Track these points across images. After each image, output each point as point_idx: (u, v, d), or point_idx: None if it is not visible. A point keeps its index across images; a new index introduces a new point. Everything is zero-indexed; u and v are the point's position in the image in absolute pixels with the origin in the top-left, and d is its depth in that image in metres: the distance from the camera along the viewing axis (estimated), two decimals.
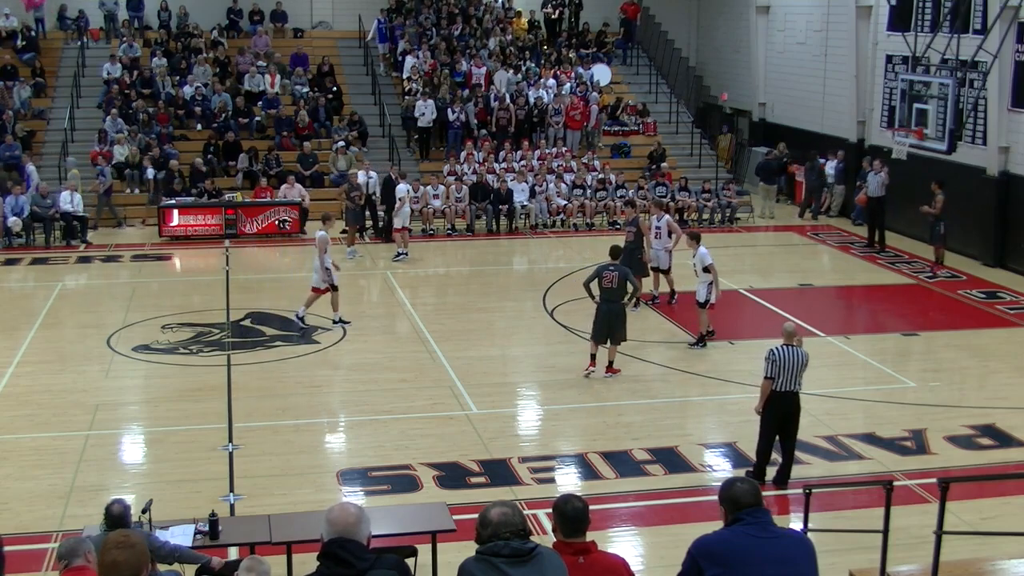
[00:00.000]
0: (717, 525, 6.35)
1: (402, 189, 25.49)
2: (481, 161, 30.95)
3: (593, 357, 17.19)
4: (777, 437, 13.32)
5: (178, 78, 33.62)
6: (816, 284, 24.18)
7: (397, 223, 25.55)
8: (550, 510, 6.50)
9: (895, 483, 10.39)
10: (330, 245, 20.03)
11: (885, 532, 9.77)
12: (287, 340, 19.36)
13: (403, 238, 25.29)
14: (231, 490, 13.08)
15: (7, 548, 8.61)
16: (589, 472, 13.71)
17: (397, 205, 25.59)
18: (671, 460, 14.08)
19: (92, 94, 33.26)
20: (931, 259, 25.09)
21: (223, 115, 32.27)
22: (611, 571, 6.43)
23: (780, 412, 13.13)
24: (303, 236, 27.56)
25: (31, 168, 29.31)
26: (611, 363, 17.24)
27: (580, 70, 35.22)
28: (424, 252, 25.64)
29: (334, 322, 19.94)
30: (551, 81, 34.35)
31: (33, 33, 34.97)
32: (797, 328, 13.70)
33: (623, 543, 11.92)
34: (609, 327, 17.02)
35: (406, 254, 25.13)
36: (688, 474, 13.76)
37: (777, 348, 13.04)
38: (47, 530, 11.80)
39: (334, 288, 19.85)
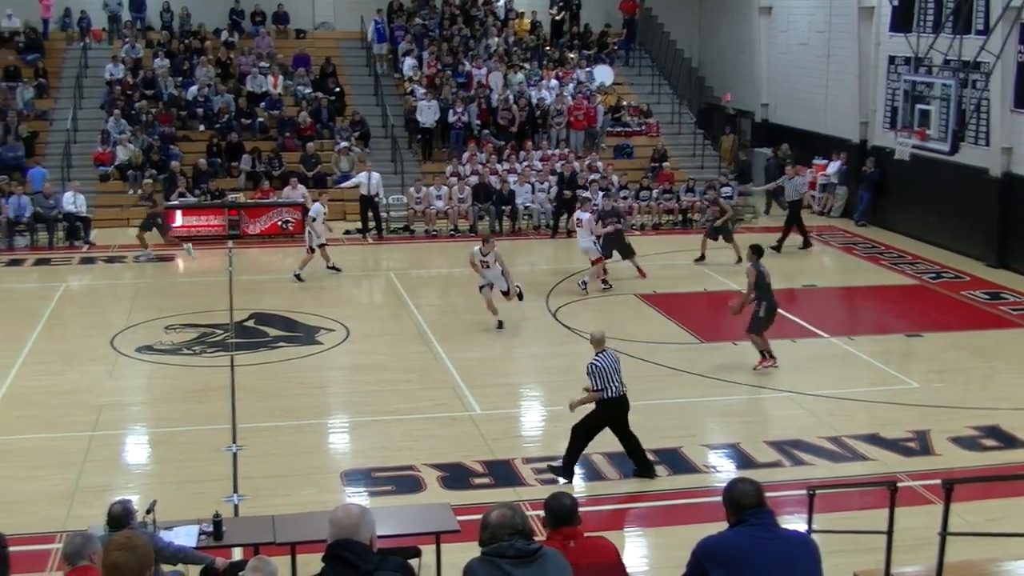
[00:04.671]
0: (722, 526, 6.36)
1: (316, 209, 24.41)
2: (484, 162, 30.95)
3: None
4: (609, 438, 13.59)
5: (180, 79, 33.64)
6: (819, 285, 24.18)
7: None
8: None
9: (899, 484, 10.38)
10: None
11: (889, 533, 9.75)
12: (290, 341, 19.37)
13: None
14: (235, 491, 13.08)
15: (12, 549, 8.64)
16: (593, 473, 13.71)
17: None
18: (675, 461, 14.07)
19: (95, 95, 33.28)
20: (935, 260, 25.21)
21: (226, 116, 32.29)
22: (599, 552, 6.55)
23: (614, 415, 13.40)
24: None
25: (40, 171, 29.38)
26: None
27: (581, 71, 35.23)
28: (427, 253, 25.65)
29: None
30: (553, 82, 34.36)
31: (35, 34, 35.00)
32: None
33: (628, 544, 11.92)
34: None
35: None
36: (692, 475, 13.76)
37: (598, 359, 13.29)
38: (51, 530, 11.80)
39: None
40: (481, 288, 20.05)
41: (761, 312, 17.49)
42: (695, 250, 25.73)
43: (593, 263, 22.97)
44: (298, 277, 23.23)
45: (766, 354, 17.64)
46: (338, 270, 24.02)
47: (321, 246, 23.83)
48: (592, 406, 13.41)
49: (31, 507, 12.59)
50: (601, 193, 26.15)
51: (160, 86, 33.34)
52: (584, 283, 22.80)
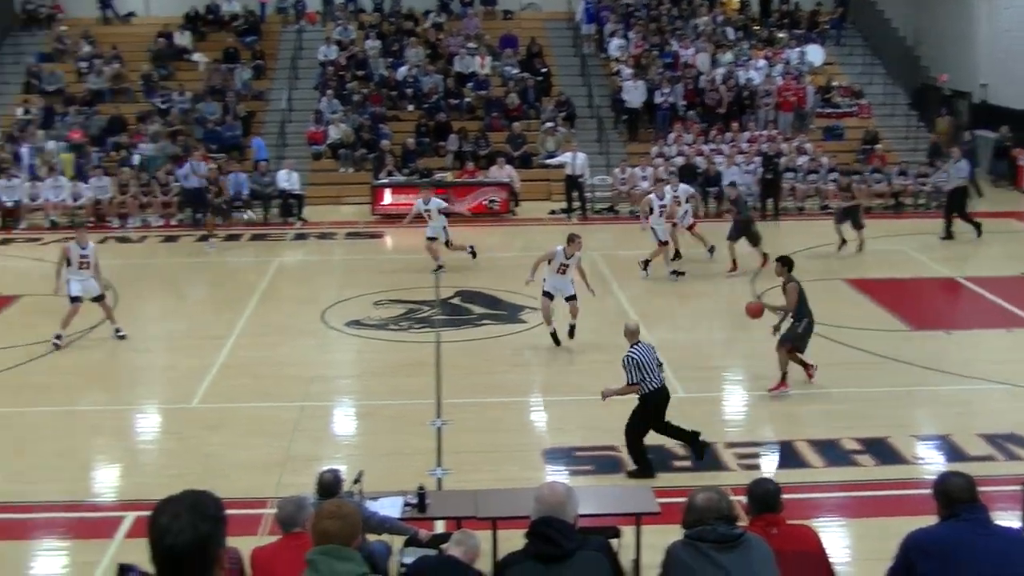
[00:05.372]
0: (930, 519, 6.18)
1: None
2: (690, 143, 30.69)
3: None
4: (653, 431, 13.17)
5: (391, 60, 34.29)
6: None
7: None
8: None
9: None
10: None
11: None
12: (495, 319, 19.58)
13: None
14: (439, 464, 13.29)
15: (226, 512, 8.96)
16: (796, 460, 13.46)
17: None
18: (882, 451, 13.70)
19: (309, 76, 34.24)
20: None
21: (434, 96, 32.79)
22: (802, 540, 6.42)
23: (658, 407, 13.00)
24: (512, 216, 27.81)
25: (260, 141, 30.46)
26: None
27: (791, 51, 34.57)
28: (631, 234, 25.49)
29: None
30: (762, 62, 33.81)
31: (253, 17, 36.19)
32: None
33: (829, 533, 11.67)
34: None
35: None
36: (899, 466, 13.36)
37: (633, 351, 12.91)
38: (263, 496, 12.19)
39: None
40: (546, 293, 18.00)
41: (800, 328, 15.76)
42: (906, 234, 25.03)
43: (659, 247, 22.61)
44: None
45: (784, 377, 15.81)
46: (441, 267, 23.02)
47: (432, 239, 23.02)
48: (630, 401, 13.03)
49: (244, 473, 13.02)
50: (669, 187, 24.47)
51: (371, 67, 34.07)
52: (646, 263, 22.50)
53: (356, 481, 10.12)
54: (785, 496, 6.96)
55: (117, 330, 18.51)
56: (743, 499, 6.82)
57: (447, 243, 22.73)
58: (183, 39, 35.56)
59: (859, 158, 30.72)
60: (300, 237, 26.69)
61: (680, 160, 29.50)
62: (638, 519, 10.28)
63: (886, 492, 12.73)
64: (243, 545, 7.95)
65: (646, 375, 12.82)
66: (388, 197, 28.63)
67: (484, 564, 8.46)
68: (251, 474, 12.98)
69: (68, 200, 28.22)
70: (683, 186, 24.31)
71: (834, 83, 34.17)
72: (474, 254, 22.93)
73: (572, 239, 17.76)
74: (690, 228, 23.84)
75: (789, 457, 13.53)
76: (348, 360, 17.77)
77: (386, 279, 22.26)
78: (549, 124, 31.40)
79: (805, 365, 15.97)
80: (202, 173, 26.61)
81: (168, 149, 30.15)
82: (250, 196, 28.50)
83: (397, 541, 9.92)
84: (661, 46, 34.59)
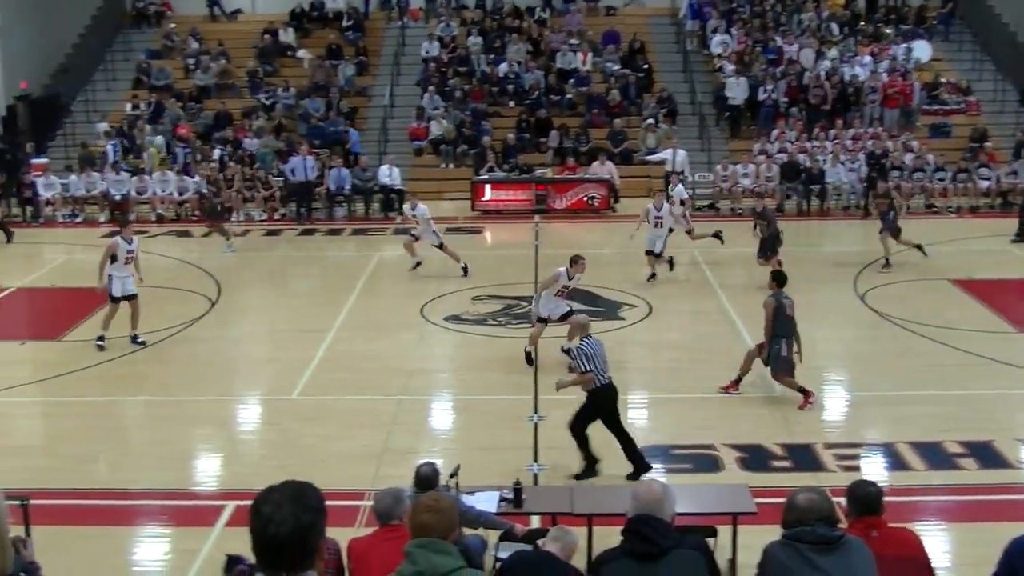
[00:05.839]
0: None
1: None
2: (793, 140, 30.36)
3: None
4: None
5: (492, 56, 34.39)
6: None
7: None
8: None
9: None
10: None
11: None
12: (593, 315, 19.49)
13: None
14: (535, 460, 13.31)
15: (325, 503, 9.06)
16: (897, 462, 13.24)
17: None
18: (986, 454, 13.42)
19: (411, 72, 34.47)
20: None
21: (535, 92, 32.82)
22: (904, 544, 6.31)
23: (604, 406, 12.72)
24: (612, 213, 27.76)
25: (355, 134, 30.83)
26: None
27: (898, 47, 34.02)
28: (733, 231, 25.32)
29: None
30: (867, 58, 33.31)
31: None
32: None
33: (931, 537, 11.47)
34: None
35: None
36: (1004, 470, 13.07)
37: (583, 343, 12.70)
38: (360, 488, 12.30)
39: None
40: (540, 320, 17.07)
41: (783, 351, 14.91)
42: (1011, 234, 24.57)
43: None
44: (465, 270, 22.37)
45: (804, 391, 14.96)
46: (465, 271, 22.52)
47: (440, 246, 22.69)
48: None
49: (342, 465, 13.15)
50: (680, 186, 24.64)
51: (473, 63, 34.21)
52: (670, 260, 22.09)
53: (453, 475, 10.17)
54: (886, 499, 6.86)
55: (135, 336, 18.13)
56: (842, 501, 6.73)
57: (441, 246, 22.61)
58: (288, 36, 36.03)
59: (966, 156, 30.13)
60: (401, 232, 26.88)
61: (783, 157, 29.19)
62: (735, 519, 10.19)
63: (990, 497, 12.48)
64: (340, 536, 8.03)
65: (596, 368, 12.71)
66: (488, 193, 28.75)
67: (579, 561, 8.46)
68: (349, 466, 13.10)
69: (174, 194, 28.75)
70: (679, 187, 24.19)
71: (941, 79, 33.55)
72: (465, 272, 22.24)
73: (576, 260, 17.02)
74: (689, 232, 23.40)
75: (890, 459, 13.33)
76: (446, 354, 17.86)
77: (485, 274, 22.33)
78: (650, 121, 31.27)
79: (804, 392, 14.97)
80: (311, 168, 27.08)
81: (272, 144, 30.58)
82: (352, 191, 28.79)
83: (492, 536, 9.95)
84: (764, 42, 34.26)
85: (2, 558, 3.60)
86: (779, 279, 15.52)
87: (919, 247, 22.60)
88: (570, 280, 17.07)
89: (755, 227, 22.17)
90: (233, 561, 7.99)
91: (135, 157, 30.41)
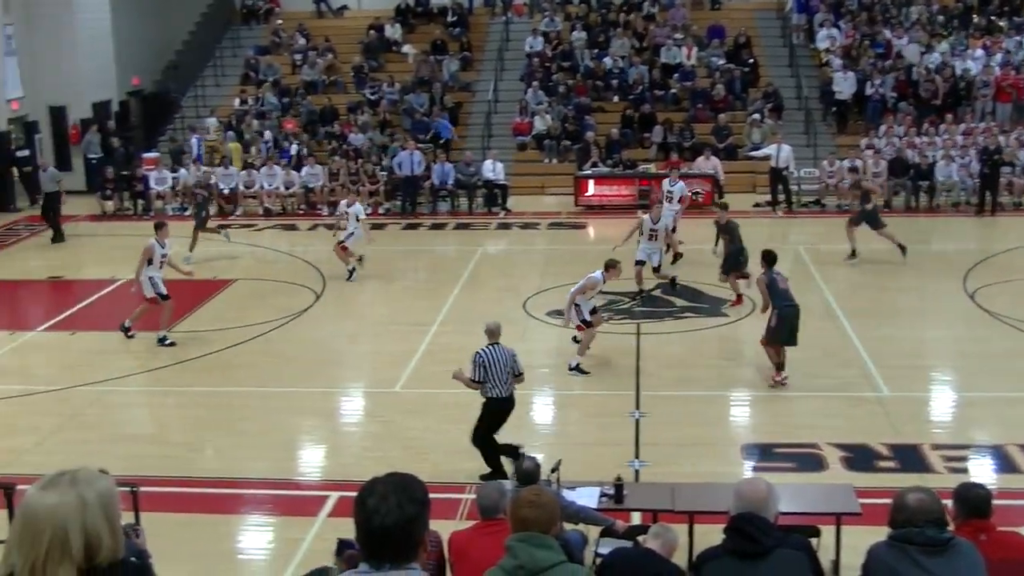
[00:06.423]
0: None
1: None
2: (901, 135, 29.86)
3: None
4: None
5: (596, 51, 34.31)
6: None
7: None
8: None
9: None
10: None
11: None
12: (697, 312, 19.44)
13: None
14: (636, 456, 13.28)
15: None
16: (1007, 465, 12.96)
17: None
18: None
19: (515, 67, 34.51)
20: None
21: (639, 87, 32.68)
22: (1015, 548, 6.17)
23: (500, 416, 12.63)
24: (714, 209, 27.52)
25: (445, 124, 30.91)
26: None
27: (1011, 39, 33.26)
28: (838, 228, 24.98)
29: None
30: (979, 52, 32.62)
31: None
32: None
33: None
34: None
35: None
36: None
37: (485, 350, 12.54)
38: (462, 481, 12.38)
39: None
40: (584, 322, 16.77)
41: (773, 322, 15.49)
42: None
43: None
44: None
45: (778, 367, 15.59)
46: (352, 273, 22.26)
47: (341, 243, 22.19)
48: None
49: (444, 458, 13.25)
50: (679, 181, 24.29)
51: (577, 58, 34.16)
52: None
53: (554, 470, 10.19)
54: (994, 502, 6.72)
55: (163, 338, 18.31)
56: (949, 503, 6.61)
57: (343, 246, 22.06)
58: (393, 32, 36.30)
59: None
60: (503, 227, 26.98)
61: (891, 153, 28.73)
62: (838, 519, 10.07)
63: None
64: (441, 529, 8.09)
65: (489, 379, 12.59)
66: (592, 188, 28.71)
67: (679, 558, 8.43)
68: (451, 459, 13.18)
69: (281, 188, 29.14)
70: (679, 184, 23.94)
71: None
72: (351, 273, 22.04)
73: (611, 265, 16.85)
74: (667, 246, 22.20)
75: (1000, 461, 13.06)
76: (548, 349, 17.84)
77: (588, 270, 22.23)
78: (755, 116, 30.96)
79: (778, 366, 15.63)
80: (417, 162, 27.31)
81: (377, 139, 30.86)
82: (455, 186, 28.94)
83: (593, 531, 9.95)
84: (873, 36, 33.72)
85: (115, 542, 3.68)
86: (769, 258, 15.88)
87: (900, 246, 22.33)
88: (604, 285, 16.98)
89: (716, 241, 20.34)
90: (344, 545, 8.16)
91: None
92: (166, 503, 12.00)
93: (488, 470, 12.67)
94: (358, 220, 22.20)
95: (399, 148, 29.32)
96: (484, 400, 12.79)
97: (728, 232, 19.86)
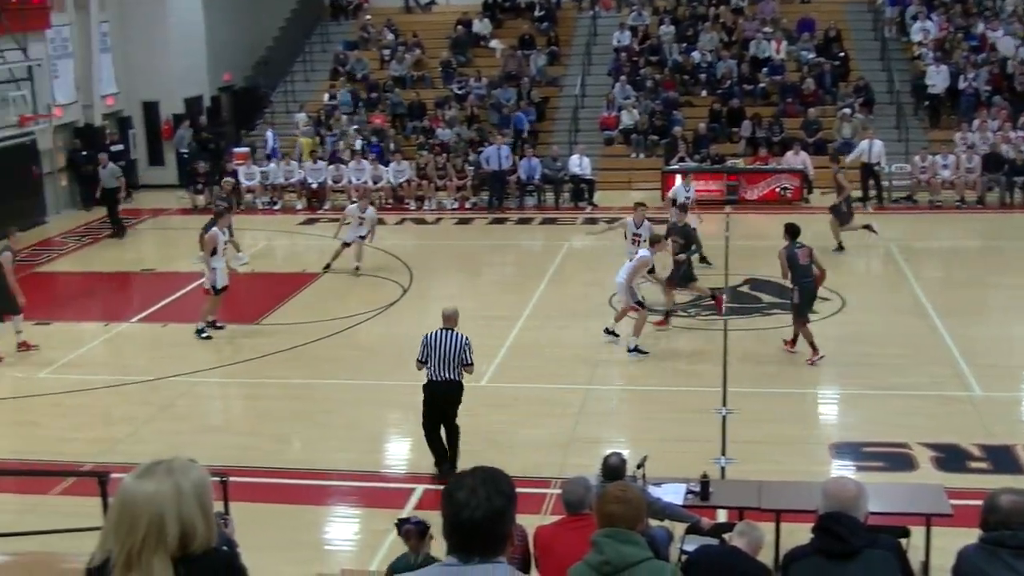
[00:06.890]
0: None
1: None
2: (996, 130, 29.32)
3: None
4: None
5: (685, 45, 34.11)
6: None
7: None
8: None
9: None
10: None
11: None
12: (784, 308, 19.23)
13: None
14: (722, 453, 13.22)
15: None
16: None
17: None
18: None
19: (602, 62, 34.40)
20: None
21: (728, 82, 32.43)
22: None
23: (433, 400, 12.53)
24: (804, 205, 27.28)
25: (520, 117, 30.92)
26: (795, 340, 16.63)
27: None
28: (931, 224, 24.65)
29: None
30: None
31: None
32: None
33: None
34: None
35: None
36: None
37: (435, 333, 12.45)
38: (547, 476, 12.40)
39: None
40: (639, 304, 17.09)
41: (795, 298, 16.25)
42: None
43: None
44: None
45: (813, 346, 16.27)
46: (327, 269, 22.64)
47: (346, 244, 22.74)
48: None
49: (530, 452, 13.28)
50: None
51: (665, 52, 33.98)
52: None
53: (640, 466, 10.17)
54: None
55: (201, 330, 18.50)
56: None
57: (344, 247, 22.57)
58: (481, 26, 36.36)
59: None
60: (590, 221, 26.92)
61: (985, 148, 28.22)
62: (928, 520, 9.94)
63: None
64: (527, 523, 8.11)
65: (431, 362, 12.55)
66: (678, 183, 28.50)
67: (766, 556, 8.37)
68: (536, 454, 13.22)
69: (369, 183, 29.32)
70: (678, 186, 23.79)
71: None
72: (326, 268, 22.51)
73: (656, 241, 18.08)
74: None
75: None
76: None
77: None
78: (846, 110, 30.58)
79: (813, 347, 16.20)
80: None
81: (464, 134, 30.96)
82: (542, 180, 28.94)
83: (679, 528, 9.91)
84: (967, 29, 33.16)
85: (208, 530, 3.74)
86: (792, 231, 16.40)
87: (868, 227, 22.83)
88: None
89: (673, 247, 18.77)
90: (402, 522, 8.34)
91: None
92: (254, 493, 12.16)
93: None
94: (361, 222, 22.65)
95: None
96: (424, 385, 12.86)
97: (685, 237, 19.34)
